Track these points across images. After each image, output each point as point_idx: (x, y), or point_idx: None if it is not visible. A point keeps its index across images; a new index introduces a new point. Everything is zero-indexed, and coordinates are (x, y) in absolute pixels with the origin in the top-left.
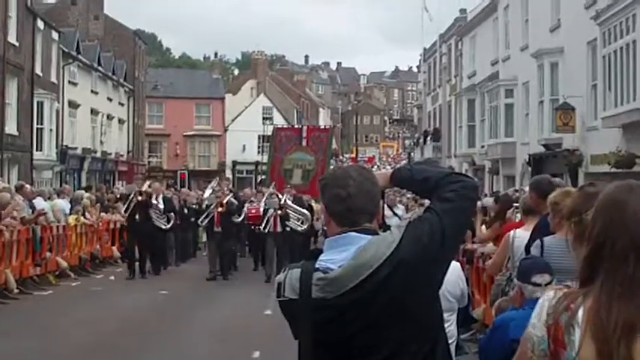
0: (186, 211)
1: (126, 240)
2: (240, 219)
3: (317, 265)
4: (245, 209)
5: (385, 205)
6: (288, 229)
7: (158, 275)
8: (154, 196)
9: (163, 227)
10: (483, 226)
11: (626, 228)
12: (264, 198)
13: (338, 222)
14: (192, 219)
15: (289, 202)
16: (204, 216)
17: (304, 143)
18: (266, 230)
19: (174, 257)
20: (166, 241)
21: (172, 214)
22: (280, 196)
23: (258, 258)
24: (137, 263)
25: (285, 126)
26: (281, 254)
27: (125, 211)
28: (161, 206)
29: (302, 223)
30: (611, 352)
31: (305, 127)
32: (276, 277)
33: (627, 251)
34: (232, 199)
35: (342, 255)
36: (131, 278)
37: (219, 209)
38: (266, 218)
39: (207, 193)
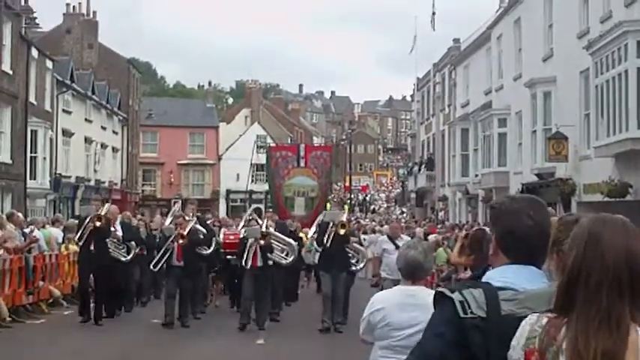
0: (153, 240)
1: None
2: (210, 251)
3: (496, 284)
4: (221, 235)
5: (386, 237)
6: (270, 262)
7: (112, 318)
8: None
9: (123, 259)
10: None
11: (600, 260)
12: (242, 223)
13: (508, 258)
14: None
15: (271, 230)
16: (159, 256)
17: (303, 164)
18: (245, 265)
19: (135, 295)
20: (128, 275)
21: (133, 243)
22: (260, 221)
23: (236, 295)
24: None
25: (279, 144)
26: (261, 295)
27: (79, 239)
28: (119, 233)
29: (287, 254)
30: None
31: (303, 146)
32: (453, 295)
33: (601, 283)
34: (197, 227)
35: (520, 279)
36: (85, 321)
37: (180, 241)
38: (245, 250)
39: (168, 220)
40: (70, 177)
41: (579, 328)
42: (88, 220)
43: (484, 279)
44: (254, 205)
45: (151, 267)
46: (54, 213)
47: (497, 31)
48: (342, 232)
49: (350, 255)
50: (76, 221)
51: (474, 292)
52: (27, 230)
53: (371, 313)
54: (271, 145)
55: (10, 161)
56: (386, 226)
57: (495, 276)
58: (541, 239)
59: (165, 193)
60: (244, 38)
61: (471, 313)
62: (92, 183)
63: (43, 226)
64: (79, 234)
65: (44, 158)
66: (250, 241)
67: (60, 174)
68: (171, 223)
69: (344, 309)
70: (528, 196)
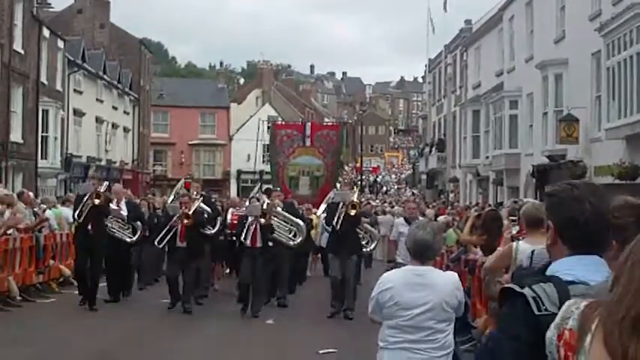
0: (155, 220)
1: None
2: (214, 231)
3: (565, 278)
4: (229, 215)
5: (402, 219)
6: (271, 244)
7: (117, 301)
8: (114, 201)
9: (128, 240)
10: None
11: None
12: (247, 202)
13: (570, 247)
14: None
15: (279, 209)
16: (163, 232)
17: (308, 143)
18: (245, 241)
19: (137, 277)
20: (130, 257)
21: (139, 223)
22: (265, 198)
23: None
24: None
25: (285, 122)
26: (259, 278)
27: (78, 217)
28: (124, 213)
29: (294, 235)
30: (622, 349)
31: (309, 124)
32: (525, 291)
33: None
34: (202, 206)
35: (587, 271)
36: (83, 304)
37: (185, 222)
38: (244, 228)
39: (171, 198)
40: (80, 157)
41: (617, 294)
42: (86, 197)
43: (549, 272)
44: (265, 186)
45: (156, 243)
46: (65, 193)
47: (509, 13)
48: (352, 212)
49: (360, 236)
50: None
51: (544, 287)
52: (37, 209)
53: (379, 292)
54: (277, 123)
55: (21, 141)
56: (396, 207)
57: (562, 269)
58: (603, 227)
59: (176, 174)
60: (256, 19)
61: (545, 310)
62: (103, 163)
63: (54, 206)
64: (78, 211)
65: (55, 138)
66: (250, 219)
67: (71, 154)
68: (173, 201)
69: (353, 293)
70: (587, 182)
